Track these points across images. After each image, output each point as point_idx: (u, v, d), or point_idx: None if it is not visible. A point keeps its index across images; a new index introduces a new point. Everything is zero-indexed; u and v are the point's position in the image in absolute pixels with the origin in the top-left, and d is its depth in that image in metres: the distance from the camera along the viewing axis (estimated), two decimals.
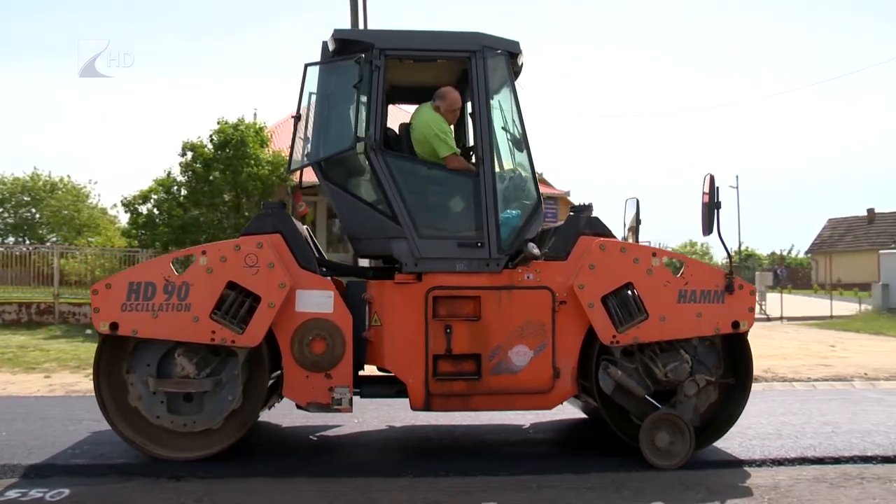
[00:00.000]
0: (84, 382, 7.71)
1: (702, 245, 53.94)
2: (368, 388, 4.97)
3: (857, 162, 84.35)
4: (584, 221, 4.86)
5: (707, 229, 4.70)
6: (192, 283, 4.46)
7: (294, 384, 4.59)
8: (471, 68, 4.80)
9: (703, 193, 4.75)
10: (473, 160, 5.10)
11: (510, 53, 4.90)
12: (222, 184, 15.18)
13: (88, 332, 12.46)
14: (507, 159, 4.90)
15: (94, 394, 4.59)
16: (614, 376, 4.66)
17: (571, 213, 4.94)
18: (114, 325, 4.43)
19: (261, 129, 16.32)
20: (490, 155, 4.73)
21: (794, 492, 4.09)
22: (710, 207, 4.66)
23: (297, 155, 5.18)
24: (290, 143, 5.29)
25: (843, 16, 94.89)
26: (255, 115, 19.37)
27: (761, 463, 4.67)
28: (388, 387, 4.92)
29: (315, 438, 5.38)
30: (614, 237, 4.90)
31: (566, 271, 4.74)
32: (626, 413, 4.79)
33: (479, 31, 4.84)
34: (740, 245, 44.57)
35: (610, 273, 4.68)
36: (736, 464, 4.68)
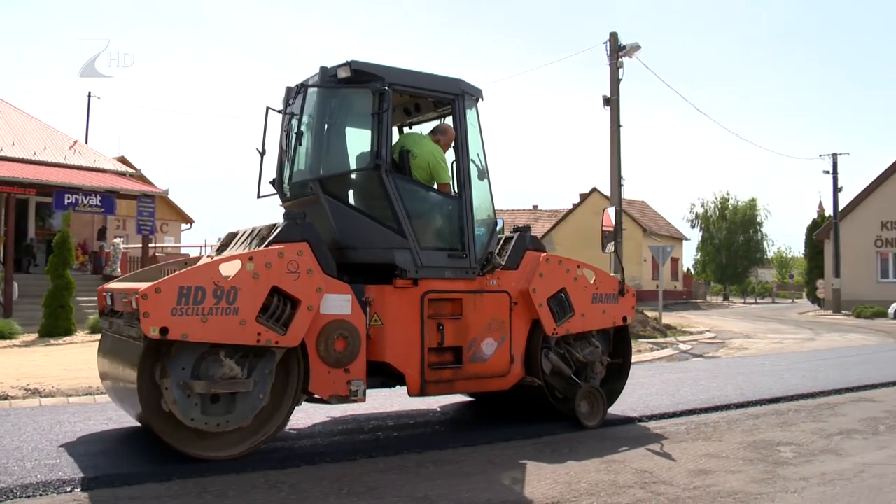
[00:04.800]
0: None
1: None
2: None
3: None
4: (528, 239, 6.72)
5: (608, 249, 6.93)
6: (240, 288, 5.16)
7: (319, 380, 5.57)
8: (455, 108, 6.32)
9: (604, 226, 6.98)
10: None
11: (477, 98, 6.53)
12: None
13: None
14: (476, 186, 6.46)
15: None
16: (552, 361, 6.63)
17: (518, 233, 6.75)
18: (164, 330, 4.89)
19: None
20: (469, 182, 6.29)
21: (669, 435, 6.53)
22: (614, 234, 6.92)
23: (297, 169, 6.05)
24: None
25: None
26: None
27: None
28: (373, 379, 6.11)
29: None
30: (546, 251, 6.85)
31: (517, 278, 6.55)
32: (553, 389, 6.78)
33: (460, 77, 6.39)
34: None
35: (552, 280, 6.64)
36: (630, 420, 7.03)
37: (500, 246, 6.77)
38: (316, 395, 5.68)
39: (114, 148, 59.39)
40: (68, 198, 22.39)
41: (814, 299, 44.33)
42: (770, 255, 68.48)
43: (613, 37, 20.50)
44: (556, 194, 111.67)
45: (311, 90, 6.06)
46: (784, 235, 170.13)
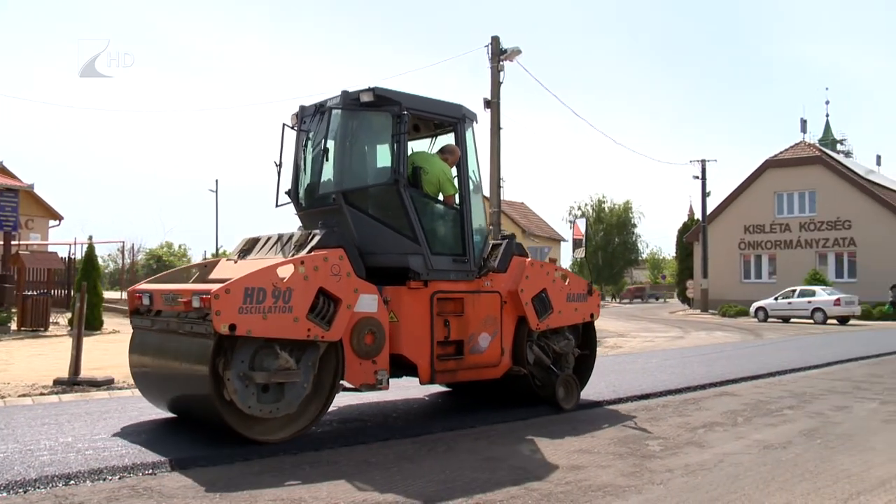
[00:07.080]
0: None
1: (179, 247, 61.37)
2: None
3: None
4: (514, 245, 7.91)
5: (577, 255, 8.24)
6: (294, 289, 6.02)
7: (352, 370, 6.50)
8: (457, 130, 7.41)
9: (574, 236, 8.29)
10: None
11: (473, 121, 7.66)
12: None
13: None
14: (473, 198, 7.55)
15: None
16: (535, 352, 7.85)
17: (506, 240, 7.92)
18: (232, 327, 5.69)
19: None
20: (469, 195, 7.39)
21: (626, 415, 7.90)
22: (583, 242, 8.23)
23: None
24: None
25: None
26: None
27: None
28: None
29: None
30: (529, 256, 8.05)
31: (506, 280, 7.73)
32: (534, 378, 7.99)
33: (461, 103, 7.49)
34: (217, 246, 51.52)
35: (536, 281, 7.86)
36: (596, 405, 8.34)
37: (489, 251, 7.92)
38: (346, 384, 6.60)
39: None
40: None
41: (684, 299, 48.32)
42: (644, 256, 73.56)
43: (495, 40, 21.54)
44: None
45: (334, 111, 6.96)
46: (657, 237, 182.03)
